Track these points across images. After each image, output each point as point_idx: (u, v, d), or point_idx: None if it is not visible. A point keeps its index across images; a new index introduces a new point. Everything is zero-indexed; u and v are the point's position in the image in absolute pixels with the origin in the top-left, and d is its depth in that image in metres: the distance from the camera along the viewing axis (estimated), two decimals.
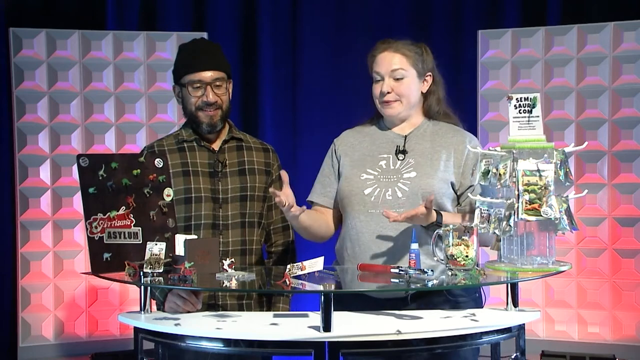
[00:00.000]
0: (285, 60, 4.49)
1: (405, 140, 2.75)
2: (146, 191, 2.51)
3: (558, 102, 4.00)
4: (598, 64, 3.94)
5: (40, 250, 3.99)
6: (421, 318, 2.36)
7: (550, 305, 3.99)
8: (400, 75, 2.69)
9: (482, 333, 2.25)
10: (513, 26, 4.15)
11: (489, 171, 2.47)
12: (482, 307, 2.67)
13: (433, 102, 2.76)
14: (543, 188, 2.36)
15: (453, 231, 2.41)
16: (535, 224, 2.42)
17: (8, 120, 4.02)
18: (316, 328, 2.16)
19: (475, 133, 2.87)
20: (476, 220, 2.48)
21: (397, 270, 2.40)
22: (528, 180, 2.37)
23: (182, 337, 2.24)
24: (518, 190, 2.38)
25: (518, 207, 2.37)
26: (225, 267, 2.40)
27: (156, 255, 2.37)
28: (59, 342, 3.98)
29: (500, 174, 2.42)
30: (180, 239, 2.42)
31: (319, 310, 2.14)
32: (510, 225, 2.40)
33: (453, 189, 2.67)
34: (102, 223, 2.47)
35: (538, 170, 2.37)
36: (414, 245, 2.47)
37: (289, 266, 2.38)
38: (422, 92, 2.76)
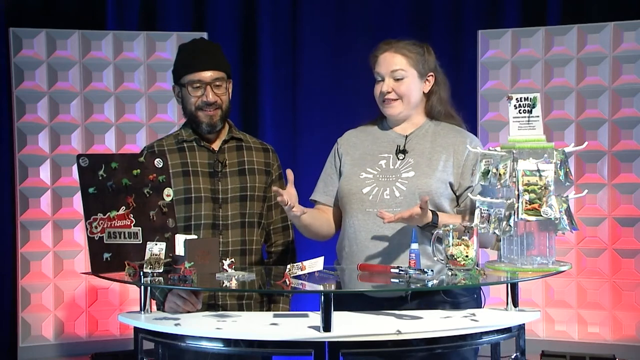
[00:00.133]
0: (285, 60, 4.49)
1: (406, 140, 2.75)
2: (146, 191, 2.51)
3: (558, 102, 4.00)
4: (598, 64, 3.94)
5: (40, 250, 3.98)
6: (421, 318, 2.36)
7: (550, 305, 3.98)
8: (401, 76, 2.70)
9: (482, 333, 2.26)
10: (513, 26, 4.15)
11: (489, 171, 2.47)
12: (482, 307, 2.67)
13: (435, 102, 2.76)
14: (543, 188, 2.36)
15: (453, 231, 2.41)
16: (535, 224, 2.42)
17: (8, 120, 4.02)
18: (316, 328, 2.16)
19: (475, 133, 2.86)
20: (476, 220, 2.48)
21: (397, 270, 2.40)
22: (528, 180, 2.37)
23: (182, 337, 2.24)
24: (518, 190, 2.38)
25: (518, 207, 2.37)
26: (225, 267, 2.40)
27: (156, 255, 2.37)
28: (59, 342, 3.98)
29: (500, 174, 2.42)
30: (180, 239, 2.42)
31: (319, 310, 2.14)
32: (510, 225, 2.40)
33: (452, 189, 2.67)
34: (102, 223, 2.47)
35: (538, 170, 2.37)
36: (414, 245, 2.47)
37: (289, 266, 2.38)
38: (424, 92, 2.76)
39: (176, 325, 2.26)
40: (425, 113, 2.79)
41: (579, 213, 3.89)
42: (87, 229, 2.47)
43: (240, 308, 2.78)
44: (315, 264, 2.44)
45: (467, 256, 2.40)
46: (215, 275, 2.38)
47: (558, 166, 2.41)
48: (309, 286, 2.36)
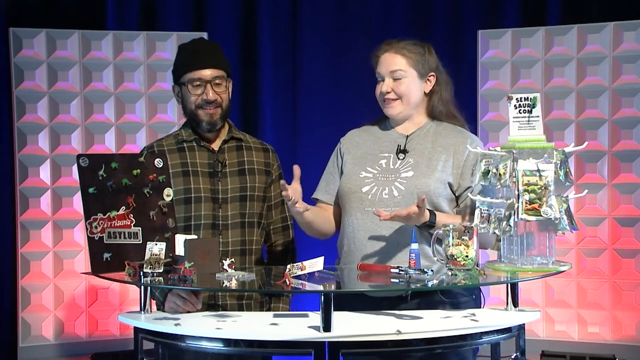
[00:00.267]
0: (285, 60, 4.49)
1: (406, 139, 2.75)
2: (146, 191, 2.51)
3: (558, 102, 4.00)
4: (598, 64, 3.94)
5: (40, 250, 3.98)
6: (421, 318, 2.36)
7: (550, 305, 3.98)
8: (400, 76, 2.71)
9: (482, 333, 2.25)
10: (513, 26, 4.15)
11: (489, 171, 2.47)
12: (481, 307, 2.67)
13: (436, 102, 2.76)
14: (543, 188, 2.36)
15: (453, 231, 2.41)
16: (535, 224, 2.42)
17: (8, 120, 4.02)
18: (316, 328, 2.16)
19: (475, 133, 2.86)
20: (476, 220, 2.49)
21: (397, 270, 2.40)
22: (528, 180, 2.37)
23: (182, 337, 2.24)
24: (518, 190, 2.38)
25: (518, 207, 2.37)
26: (225, 267, 2.40)
27: (156, 255, 2.37)
28: (59, 342, 3.98)
29: (500, 174, 2.42)
30: (180, 239, 2.42)
31: (319, 310, 2.14)
32: (510, 225, 2.40)
33: (451, 190, 2.67)
34: (102, 223, 2.47)
35: (538, 170, 2.37)
36: (414, 245, 2.48)
37: (289, 266, 2.38)
38: (425, 93, 2.76)
39: (176, 325, 2.26)
40: (427, 113, 2.79)
41: (579, 213, 3.89)
42: (87, 229, 2.47)
43: (240, 308, 2.78)
44: (315, 264, 2.44)
45: (467, 256, 2.40)
46: (215, 275, 2.38)
47: (558, 166, 2.41)
48: (309, 286, 2.36)
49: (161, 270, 2.36)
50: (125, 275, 2.38)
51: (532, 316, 2.38)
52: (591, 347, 3.89)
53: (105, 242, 2.47)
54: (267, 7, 4.47)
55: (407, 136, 2.76)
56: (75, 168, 2.84)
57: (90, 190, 2.47)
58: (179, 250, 2.40)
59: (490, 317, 2.37)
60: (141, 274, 2.34)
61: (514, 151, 2.42)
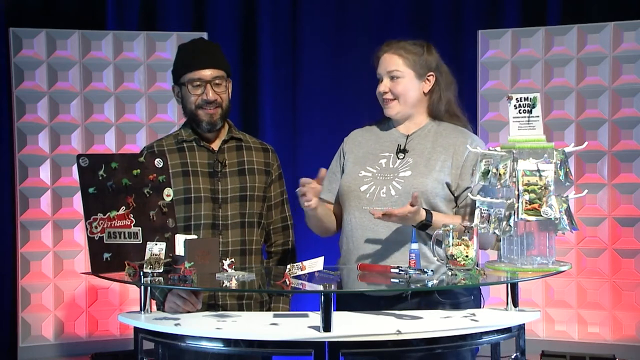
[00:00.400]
0: (285, 60, 4.49)
1: (407, 139, 2.76)
2: (146, 191, 2.51)
3: (558, 102, 4.00)
4: (598, 64, 3.94)
5: (40, 250, 3.98)
6: (421, 318, 2.36)
7: (550, 305, 3.98)
8: (397, 76, 2.71)
9: (482, 333, 2.25)
10: (513, 26, 4.15)
11: (489, 171, 2.47)
12: (481, 307, 2.67)
13: (436, 101, 2.76)
14: (543, 188, 2.36)
15: (453, 231, 2.41)
16: (535, 224, 2.42)
17: (8, 120, 4.02)
18: (316, 328, 2.16)
19: (475, 133, 2.86)
20: (476, 220, 2.49)
21: (397, 270, 2.40)
22: (528, 180, 2.37)
23: (182, 337, 2.24)
24: (518, 190, 2.38)
25: (518, 207, 2.37)
26: (225, 267, 2.40)
27: (156, 255, 2.37)
28: (59, 342, 3.98)
29: (500, 174, 2.42)
30: (180, 239, 2.42)
31: (319, 310, 2.14)
32: (510, 225, 2.40)
33: (450, 190, 2.67)
34: (102, 223, 2.47)
35: (538, 170, 2.37)
36: (414, 245, 2.48)
37: (289, 266, 2.38)
38: (424, 92, 2.76)
39: (176, 325, 2.26)
40: (428, 113, 2.79)
41: (579, 213, 3.89)
42: (87, 229, 2.47)
43: (240, 308, 2.78)
44: (315, 264, 2.44)
45: (467, 256, 2.40)
46: (215, 275, 2.38)
47: (558, 166, 2.41)
48: (309, 286, 2.36)
49: (161, 270, 2.36)
50: (125, 275, 2.38)
51: (532, 316, 2.38)
52: (591, 347, 3.89)
53: (105, 242, 2.47)
54: (267, 7, 4.47)
55: (408, 136, 2.76)
56: (75, 168, 2.84)
57: (90, 190, 2.47)
58: (179, 250, 2.40)
59: (490, 317, 2.37)
60: (141, 274, 2.34)
61: (514, 151, 2.42)
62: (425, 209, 2.56)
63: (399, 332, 2.17)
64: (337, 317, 2.23)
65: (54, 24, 4.08)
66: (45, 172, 4.00)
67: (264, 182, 2.87)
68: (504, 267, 2.44)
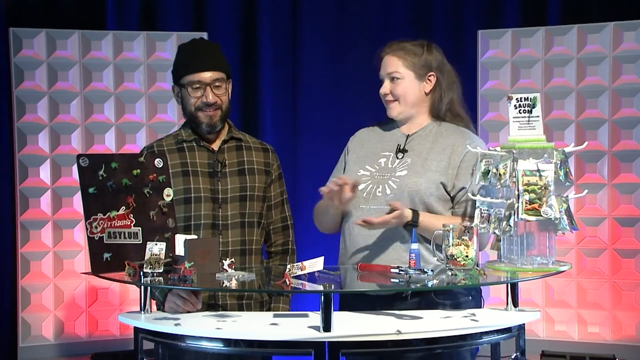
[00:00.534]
0: (285, 60, 4.49)
1: (407, 139, 2.76)
2: (146, 191, 2.51)
3: (558, 102, 4.00)
4: (598, 64, 3.93)
5: (40, 250, 3.98)
6: (421, 318, 2.36)
7: (550, 305, 3.98)
8: (397, 77, 2.72)
9: (482, 333, 2.25)
10: (513, 26, 4.15)
11: (489, 171, 2.47)
12: (481, 307, 2.67)
13: (436, 101, 2.77)
14: (543, 188, 2.36)
15: (453, 231, 2.41)
16: (535, 224, 2.42)
17: (8, 120, 4.02)
18: (316, 328, 2.16)
19: (475, 133, 2.86)
20: (476, 220, 2.49)
21: (396, 270, 2.40)
22: (528, 180, 2.37)
23: (182, 337, 2.24)
24: (518, 190, 2.38)
25: (518, 207, 2.37)
26: (225, 267, 2.40)
27: (156, 255, 2.37)
28: (59, 342, 3.98)
29: (500, 174, 2.42)
30: (180, 239, 2.42)
31: (319, 310, 2.14)
32: (510, 225, 2.40)
33: (445, 190, 2.67)
34: (102, 223, 2.47)
35: (538, 170, 2.37)
36: (414, 245, 2.48)
37: (289, 266, 2.39)
38: (425, 92, 2.76)
39: (176, 325, 2.26)
40: (430, 113, 2.79)
41: (579, 213, 3.89)
42: (87, 229, 2.47)
43: (240, 308, 2.78)
44: (315, 264, 2.45)
45: (467, 256, 2.40)
46: (215, 275, 2.38)
47: (558, 166, 2.41)
48: (309, 286, 2.36)
49: (161, 270, 2.36)
50: (125, 275, 2.38)
51: (532, 316, 2.38)
52: (591, 347, 3.89)
53: (105, 242, 2.47)
54: (267, 7, 4.47)
55: (408, 136, 2.77)
56: (75, 168, 2.84)
57: (90, 190, 2.47)
58: (179, 250, 2.40)
59: (490, 317, 2.37)
60: (141, 274, 2.34)
61: (514, 151, 2.42)
62: (412, 210, 2.57)
63: (399, 332, 2.17)
64: (337, 317, 2.23)
65: (54, 24, 4.08)
66: (45, 172, 4.00)
67: (264, 182, 2.87)
68: (504, 267, 2.44)
